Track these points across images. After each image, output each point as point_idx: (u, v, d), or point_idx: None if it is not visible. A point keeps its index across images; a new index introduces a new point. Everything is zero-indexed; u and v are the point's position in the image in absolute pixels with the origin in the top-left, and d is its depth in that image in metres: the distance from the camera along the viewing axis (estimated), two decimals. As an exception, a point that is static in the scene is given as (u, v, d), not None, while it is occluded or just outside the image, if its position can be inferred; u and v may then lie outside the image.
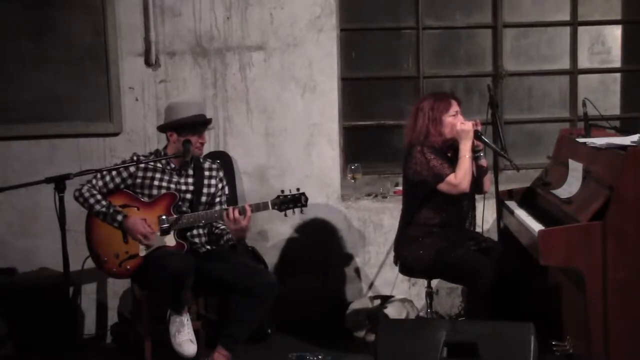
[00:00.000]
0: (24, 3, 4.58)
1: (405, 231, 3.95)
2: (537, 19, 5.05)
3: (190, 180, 3.96)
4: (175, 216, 3.84)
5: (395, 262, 4.04)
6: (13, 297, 4.37)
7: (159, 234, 3.83)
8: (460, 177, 3.76)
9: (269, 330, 4.53)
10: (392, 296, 4.73)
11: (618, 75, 5.16)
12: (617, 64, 5.14)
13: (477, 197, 4.05)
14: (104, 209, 3.80)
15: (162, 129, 3.97)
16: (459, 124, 3.85)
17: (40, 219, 4.61)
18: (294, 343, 4.50)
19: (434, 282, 4.19)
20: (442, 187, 3.79)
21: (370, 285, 4.88)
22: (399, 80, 5.06)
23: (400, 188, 4.81)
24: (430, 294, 4.08)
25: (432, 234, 3.87)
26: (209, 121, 3.96)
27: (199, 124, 3.86)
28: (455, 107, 3.91)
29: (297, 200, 3.82)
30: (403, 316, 4.48)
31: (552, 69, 5.09)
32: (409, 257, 3.89)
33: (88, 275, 4.47)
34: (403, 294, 4.78)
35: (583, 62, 5.08)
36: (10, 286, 4.44)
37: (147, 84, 4.71)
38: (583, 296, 3.31)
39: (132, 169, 3.86)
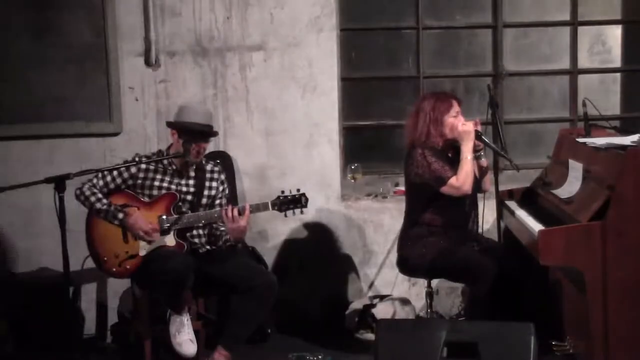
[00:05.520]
0: (24, 3, 4.58)
1: (409, 231, 3.96)
2: (537, 19, 5.05)
3: (191, 182, 3.97)
4: (175, 216, 3.84)
5: (398, 263, 4.04)
6: (13, 297, 4.37)
7: (158, 233, 3.83)
8: (462, 179, 3.76)
9: (269, 330, 4.53)
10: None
11: (618, 75, 5.16)
12: (617, 64, 5.14)
13: (478, 196, 4.06)
14: (105, 207, 3.81)
15: (167, 124, 4.01)
16: (461, 125, 3.85)
17: (40, 219, 4.61)
18: (294, 343, 4.50)
19: (434, 282, 4.19)
20: (444, 189, 3.79)
21: (370, 285, 4.88)
22: (399, 80, 5.06)
23: (400, 188, 4.82)
24: (430, 294, 4.09)
25: (436, 234, 3.87)
26: (211, 133, 3.95)
27: (197, 133, 3.85)
28: (456, 108, 3.91)
29: (297, 201, 3.82)
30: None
31: (552, 69, 5.09)
32: (412, 257, 3.89)
33: (88, 275, 4.47)
34: (403, 294, 4.78)
35: (583, 62, 5.08)
36: (10, 286, 4.44)
37: (147, 84, 4.71)
38: (583, 296, 3.31)
39: (133, 169, 3.87)
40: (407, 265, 3.96)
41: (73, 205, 3.74)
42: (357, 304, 4.69)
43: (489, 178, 4.08)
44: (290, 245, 4.86)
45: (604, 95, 5.12)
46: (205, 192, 3.98)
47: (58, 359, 4.13)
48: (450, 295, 4.84)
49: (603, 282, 3.25)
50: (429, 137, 3.87)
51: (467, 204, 3.93)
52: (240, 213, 3.75)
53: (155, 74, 4.72)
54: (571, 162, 3.73)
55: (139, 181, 3.89)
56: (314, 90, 4.78)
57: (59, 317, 4.27)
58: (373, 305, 4.59)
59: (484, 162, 4.01)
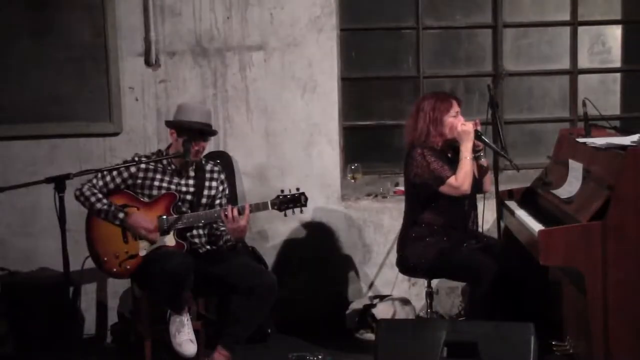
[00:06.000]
0: (24, 3, 4.59)
1: (409, 231, 3.96)
2: (537, 19, 5.05)
3: (191, 181, 3.96)
4: (175, 216, 3.84)
5: (398, 263, 4.04)
6: (13, 297, 4.37)
7: (158, 233, 3.83)
8: (461, 179, 3.77)
9: (269, 330, 4.53)
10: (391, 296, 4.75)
11: (618, 75, 5.16)
12: (617, 64, 5.14)
13: (477, 196, 4.06)
14: (105, 207, 3.81)
15: (166, 124, 4.00)
16: (460, 125, 3.85)
17: (40, 219, 4.61)
18: (294, 343, 4.50)
19: (434, 282, 4.19)
20: (443, 189, 3.79)
21: (370, 285, 4.88)
22: (399, 80, 5.06)
23: (400, 188, 4.82)
24: (430, 294, 4.09)
25: (436, 234, 3.87)
26: (211, 132, 3.95)
27: (196, 132, 3.85)
28: (456, 108, 3.92)
29: (296, 200, 3.81)
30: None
31: (552, 69, 5.09)
32: (412, 257, 3.89)
33: (88, 275, 4.47)
34: (403, 294, 4.78)
35: (583, 62, 5.08)
36: (10, 286, 4.44)
37: (147, 84, 4.71)
38: (583, 296, 3.31)
39: (132, 169, 3.87)
40: (407, 265, 3.96)
41: (73, 205, 3.74)
42: (357, 304, 4.69)
43: (489, 178, 4.08)
44: (290, 245, 4.86)
45: (604, 95, 5.12)
46: (205, 192, 3.98)
47: (58, 359, 4.13)
48: (450, 295, 4.84)
49: (603, 282, 3.25)
50: (429, 137, 3.88)
51: (466, 204, 3.94)
52: (240, 213, 3.75)
53: (155, 74, 4.72)
54: (571, 162, 3.73)
55: (139, 181, 3.89)
56: (314, 90, 4.78)
57: (59, 317, 4.28)
58: (373, 305, 4.59)
59: (484, 162, 4.01)
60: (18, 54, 4.60)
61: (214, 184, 4.02)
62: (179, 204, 3.90)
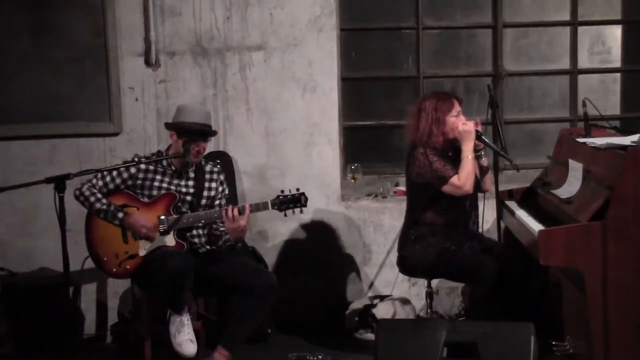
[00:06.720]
0: (24, 3, 4.59)
1: (409, 231, 3.96)
2: (537, 19, 5.05)
3: (190, 182, 3.96)
4: (175, 216, 3.84)
5: (398, 263, 4.04)
6: (13, 297, 4.37)
7: (158, 234, 3.83)
8: (464, 179, 3.77)
9: (269, 330, 4.53)
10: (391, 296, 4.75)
11: (618, 75, 5.16)
12: (617, 64, 5.14)
13: (478, 196, 4.06)
14: (104, 207, 3.80)
15: (165, 126, 4.00)
16: (461, 125, 3.86)
17: (40, 219, 4.62)
18: (294, 343, 4.50)
19: (434, 282, 4.19)
20: (446, 188, 3.80)
21: (370, 285, 4.88)
22: (399, 80, 5.06)
23: (400, 188, 4.82)
24: (430, 294, 4.09)
25: (437, 234, 3.87)
26: (210, 133, 3.95)
27: (196, 132, 3.85)
28: (457, 107, 3.92)
29: (296, 200, 3.82)
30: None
31: (552, 69, 5.09)
32: (413, 257, 3.89)
33: (88, 275, 4.47)
34: (403, 294, 4.78)
35: (583, 62, 5.08)
36: (10, 286, 4.44)
37: (147, 84, 4.71)
38: (583, 296, 3.31)
39: (132, 169, 3.87)
40: (407, 265, 3.96)
41: (73, 205, 3.74)
42: (357, 304, 4.69)
43: (489, 178, 4.08)
44: (290, 245, 4.85)
45: (604, 95, 5.12)
46: (205, 193, 3.98)
47: (58, 359, 4.13)
48: (450, 295, 4.84)
49: (603, 282, 3.25)
50: (431, 137, 3.88)
51: (467, 204, 3.94)
52: (241, 213, 3.76)
53: (155, 74, 4.72)
54: (571, 162, 3.73)
55: (139, 181, 3.89)
56: (314, 90, 4.78)
57: (59, 317, 4.27)
58: (373, 305, 4.59)
59: (484, 161, 4.01)
60: (18, 54, 4.60)
61: (213, 184, 4.02)
62: (179, 204, 3.90)
